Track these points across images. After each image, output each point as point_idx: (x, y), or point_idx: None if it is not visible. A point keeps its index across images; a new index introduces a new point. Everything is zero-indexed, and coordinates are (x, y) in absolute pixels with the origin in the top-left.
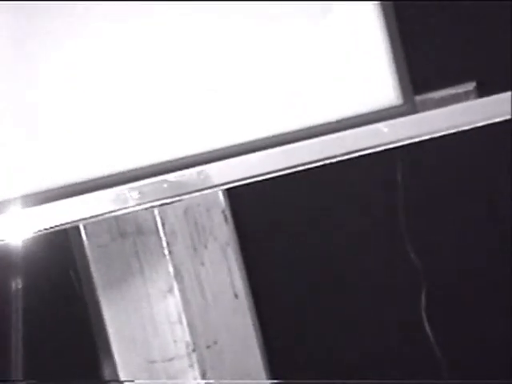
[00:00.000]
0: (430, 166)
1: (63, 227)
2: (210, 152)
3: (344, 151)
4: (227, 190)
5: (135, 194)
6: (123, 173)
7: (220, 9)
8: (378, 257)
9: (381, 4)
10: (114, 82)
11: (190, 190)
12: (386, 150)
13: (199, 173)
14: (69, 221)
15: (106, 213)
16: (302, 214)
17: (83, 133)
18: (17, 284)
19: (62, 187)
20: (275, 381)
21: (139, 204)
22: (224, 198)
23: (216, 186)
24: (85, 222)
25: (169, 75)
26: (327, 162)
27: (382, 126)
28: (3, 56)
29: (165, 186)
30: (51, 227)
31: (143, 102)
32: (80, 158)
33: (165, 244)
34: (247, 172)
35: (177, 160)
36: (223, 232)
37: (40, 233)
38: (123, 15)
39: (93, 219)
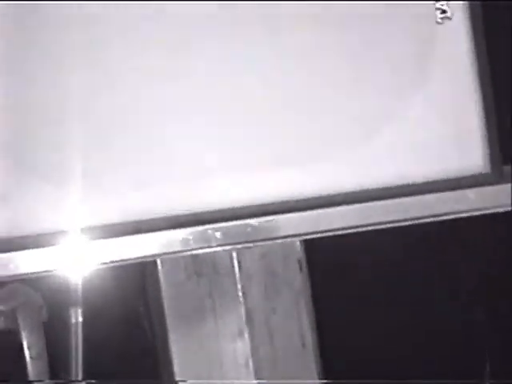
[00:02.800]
0: None
1: (141, 260)
2: (295, 201)
3: (427, 214)
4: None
5: (218, 235)
6: (207, 212)
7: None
8: (451, 314)
9: (477, 70)
10: (201, 120)
11: (271, 236)
12: None
13: (283, 221)
14: (148, 254)
15: (186, 250)
16: (378, 269)
17: (170, 168)
18: (84, 313)
19: (146, 221)
20: None
21: (221, 245)
22: (301, 246)
23: (298, 235)
24: (164, 257)
25: (256, 119)
26: (411, 222)
27: (468, 193)
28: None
29: (248, 229)
30: (131, 259)
31: (234, 143)
32: (166, 193)
33: (239, 287)
34: (330, 225)
35: (262, 206)
36: (297, 281)
37: (118, 263)
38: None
39: (172, 255)
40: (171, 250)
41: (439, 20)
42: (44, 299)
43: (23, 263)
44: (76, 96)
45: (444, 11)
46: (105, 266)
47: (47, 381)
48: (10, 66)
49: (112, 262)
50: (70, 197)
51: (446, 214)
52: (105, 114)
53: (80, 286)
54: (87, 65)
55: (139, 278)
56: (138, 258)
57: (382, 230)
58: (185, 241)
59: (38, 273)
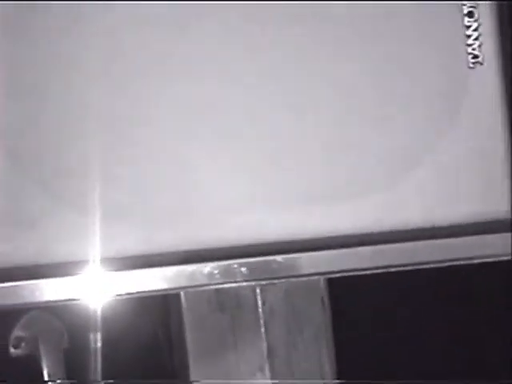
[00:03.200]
0: None
1: (165, 293)
2: (321, 239)
3: (450, 257)
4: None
5: (244, 270)
6: (233, 247)
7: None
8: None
9: (507, 117)
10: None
11: (296, 273)
12: None
13: (307, 258)
14: (173, 287)
15: (211, 284)
16: (402, 309)
17: (197, 200)
18: (105, 342)
19: (171, 253)
20: None
21: (246, 280)
22: (324, 284)
23: (322, 273)
24: (189, 290)
25: (283, 157)
26: (435, 265)
27: (492, 238)
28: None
29: (273, 266)
30: (155, 291)
31: (263, 180)
32: (192, 226)
33: (262, 322)
34: (354, 264)
35: (287, 243)
36: (319, 318)
37: (142, 295)
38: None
39: (197, 289)
40: (196, 284)
41: (471, 65)
42: (66, 327)
43: (48, 291)
44: (101, 126)
45: (476, 56)
46: (129, 296)
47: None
48: (28, 88)
49: (136, 293)
50: (95, 226)
51: (469, 259)
52: (131, 144)
53: (102, 315)
54: (108, 93)
55: (161, 308)
56: (162, 290)
57: (407, 270)
58: (210, 274)
59: (63, 301)
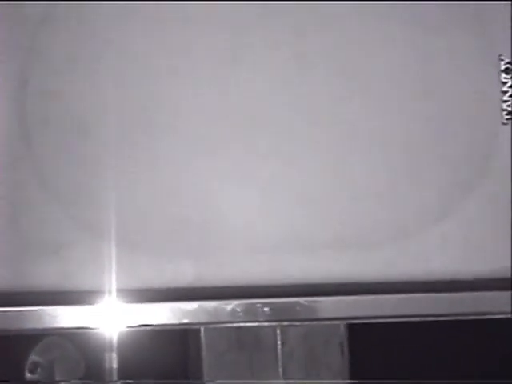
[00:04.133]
0: None
1: (187, 327)
2: (346, 284)
3: (473, 311)
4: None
5: (266, 310)
6: (257, 287)
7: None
8: None
9: None
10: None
11: (317, 317)
12: None
13: (330, 303)
14: (195, 322)
15: (233, 322)
16: (420, 358)
17: (223, 239)
18: (123, 372)
19: (196, 288)
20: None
21: (267, 320)
22: (344, 330)
23: (343, 318)
24: (210, 326)
25: (310, 200)
26: (455, 318)
27: (497, 295)
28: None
29: (296, 308)
30: (177, 325)
31: (290, 223)
32: (217, 263)
33: (280, 363)
34: (375, 312)
35: (311, 286)
36: (337, 363)
37: (163, 328)
38: None
39: (219, 325)
40: (218, 320)
41: (505, 121)
42: (83, 355)
43: (67, 318)
44: (129, 161)
45: (510, 112)
46: (149, 328)
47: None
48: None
49: (157, 325)
50: (120, 257)
51: (489, 314)
52: (157, 181)
53: (121, 346)
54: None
55: (180, 342)
56: (184, 324)
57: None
58: (232, 312)
59: (81, 329)
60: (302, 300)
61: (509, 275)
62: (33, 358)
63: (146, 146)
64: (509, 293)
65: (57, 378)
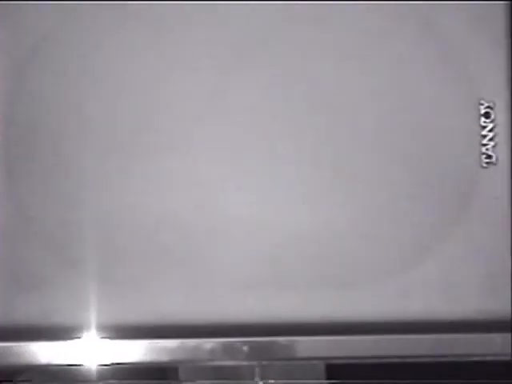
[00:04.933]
0: None
1: (165, 365)
2: (325, 324)
3: (451, 353)
4: None
5: (246, 349)
6: (236, 325)
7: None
8: None
9: None
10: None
11: (296, 356)
12: None
13: (309, 342)
14: (173, 360)
15: (212, 360)
16: None
17: (202, 277)
18: None
19: (175, 326)
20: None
21: (247, 359)
22: (323, 369)
23: (322, 358)
24: (188, 364)
25: (291, 240)
26: (433, 360)
27: (495, 337)
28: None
29: (275, 347)
30: (154, 362)
31: (270, 261)
32: (197, 301)
33: None
34: (355, 352)
35: (290, 325)
36: None
37: (142, 365)
38: None
39: (198, 364)
40: (197, 358)
41: (484, 164)
42: None
43: (46, 354)
44: (112, 192)
45: (489, 156)
46: (129, 366)
47: None
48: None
49: (135, 363)
50: (99, 293)
51: (469, 356)
52: (137, 216)
53: (99, 381)
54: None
55: (159, 379)
56: (163, 362)
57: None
58: (211, 351)
59: (60, 365)
60: (280, 339)
61: (488, 317)
62: None
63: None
64: (489, 335)
65: None
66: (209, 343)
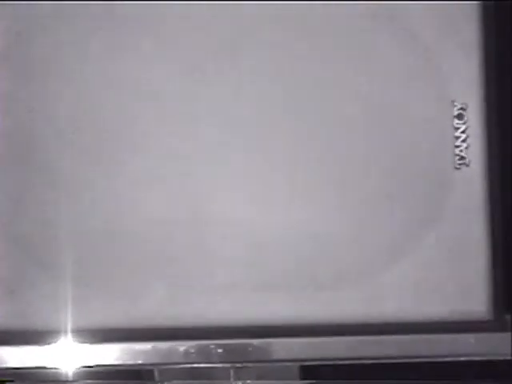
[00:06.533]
0: None
1: (140, 368)
2: (298, 326)
3: (424, 353)
4: None
5: (220, 351)
6: (210, 328)
7: None
8: None
9: (489, 218)
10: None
11: (270, 358)
12: None
13: (282, 344)
14: (148, 363)
15: (187, 362)
16: None
17: (177, 280)
18: None
19: (149, 329)
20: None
21: (221, 362)
22: (297, 371)
23: (295, 360)
24: (163, 367)
25: (266, 242)
26: (407, 360)
27: (469, 337)
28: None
29: (249, 349)
30: (130, 365)
31: (245, 264)
32: (171, 304)
33: None
34: (328, 353)
35: (264, 327)
36: None
37: (117, 368)
38: None
39: (173, 366)
40: (172, 361)
41: (457, 166)
42: None
43: (21, 358)
44: (87, 197)
45: (462, 157)
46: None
47: None
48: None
49: (110, 365)
50: (73, 297)
51: (443, 356)
52: (112, 220)
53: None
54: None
55: (135, 382)
56: (138, 365)
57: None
58: (186, 353)
59: (35, 368)
60: (254, 341)
61: (462, 318)
62: None
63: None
64: (464, 335)
65: None
66: (183, 346)
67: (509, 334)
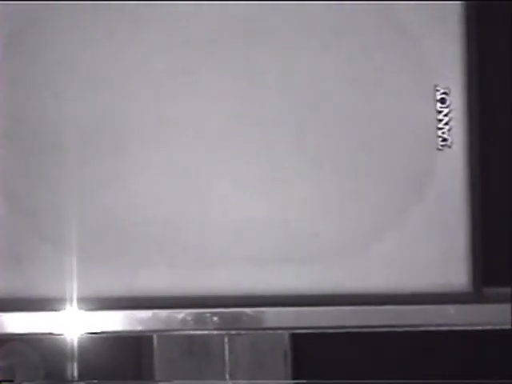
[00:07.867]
0: None
1: (140, 334)
2: (290, 296)
3: (408, 323)
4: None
5: (215, 319)
6: (207, 297)
7: None
8: None
9: (470, 197)
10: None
11: (263, 326)
12: None
13: (274, 313)
14: (148, 329)
15: (184, 329)
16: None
17: (177, 252)
18: (79, 378)
19: (149, 298)
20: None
21: (216, 329)
22: (288, 339)
23: (286, 328)
24: (162, 333)
25: (261, 217)
26: (391, 329)
27: (449, 308)
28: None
29: (243, 318)
30: (131, 332)
31: (240, 237)
32: (170, 274)
33: (227, 369)
34: (318, 322)
35: (258, 297)
36: (281, 371)
37: (118, 334)
38: None
39: (171, 333)
40: (170, 328)
41: (439, 147)
42: (42, 359)
43: (28, 324)
44: (91, 171)
45: (445, 139)
46: (105, 335)
47: None
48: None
49: (111, 332)
50: (77, 266)
51: (425, 326)
52: (117, 193)
53: (78, 351)
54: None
55: (135, 347)
56: (138, 331)
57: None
58: (183, 321)
59: (41, 334)
60: (248, 310)
61: (444, 290)
62: None
63: (107, 160)
64: (445, 306)
65: (17, 382)
66: (181, 314)
67: (486, 305)
